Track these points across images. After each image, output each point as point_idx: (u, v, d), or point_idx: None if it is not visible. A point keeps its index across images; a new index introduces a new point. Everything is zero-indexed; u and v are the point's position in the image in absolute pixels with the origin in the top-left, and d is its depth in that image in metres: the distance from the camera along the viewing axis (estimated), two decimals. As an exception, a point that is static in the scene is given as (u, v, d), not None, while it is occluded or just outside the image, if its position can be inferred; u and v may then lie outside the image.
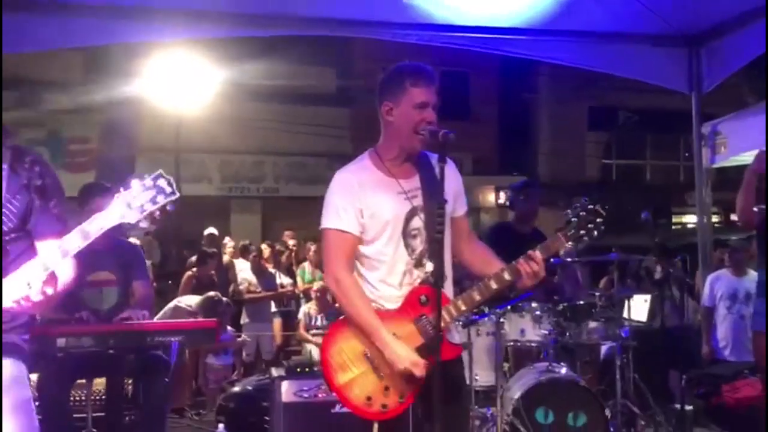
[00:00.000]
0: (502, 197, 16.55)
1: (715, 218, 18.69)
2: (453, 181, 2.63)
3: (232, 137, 15.04)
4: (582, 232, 2.58)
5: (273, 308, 8.69)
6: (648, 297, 5.91)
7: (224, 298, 6.48)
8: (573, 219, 2.59)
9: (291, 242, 9.95)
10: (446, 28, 6.03)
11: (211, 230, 9.39)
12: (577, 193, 17.69)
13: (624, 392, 4.66)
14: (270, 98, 15.49)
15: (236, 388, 5.01)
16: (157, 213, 2.04)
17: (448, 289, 2.65)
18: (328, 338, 2.65)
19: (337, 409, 3.88)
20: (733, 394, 5.25)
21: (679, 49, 6.41)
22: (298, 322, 8.37)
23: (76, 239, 2.03)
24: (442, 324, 2.48)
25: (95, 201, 3.89)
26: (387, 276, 2.63)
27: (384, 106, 2.65)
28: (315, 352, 7.96)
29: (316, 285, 8.51)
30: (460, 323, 3.69)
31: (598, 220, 2.57)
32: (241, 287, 8.09)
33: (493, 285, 2.60)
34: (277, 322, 8.74)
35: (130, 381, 3.82)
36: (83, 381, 3.93)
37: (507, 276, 2.60)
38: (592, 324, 4.62)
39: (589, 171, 19.30)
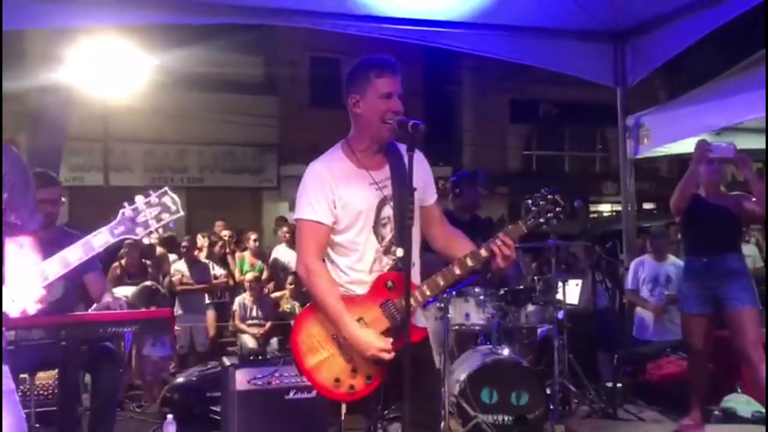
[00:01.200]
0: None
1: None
2: (422, 170, 2.73)
3: (156, 126, 14.67)
4: (542, 220, 2.73)
5: (206, 300, 8.57)
6: (579, 281, 6.20)
7: (161, 288, 6.38)
8: (533, 208, 2.73)
9: (225, 233, 9.83)
10: (386, 20, 6.12)
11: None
12: (500, 183, 18.20)
13: (560, 372, 4.89)
14: (195, 86, 15.18)
15: (180, 379, 4.97)
16: (160, 229, 2.06)
17: (415, 275, 2.73)
18: (299, 322, 2.72)
19: (291, 395, 3.94)
20: (657, 371, 5.59)
21: (605, 45, 6.72)
22: (234, 313, 8.31)
23: (78, 251, 2.03)
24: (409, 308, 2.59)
25: (43, 191, 3.78)
26: (357, 263, 2.71)
27: (351, 98, 2.71)
28: (250, 343, 7.94)
29: (249, 275, 8.46)
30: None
31: (557, 209, 2.71)
32: (173, 279, 7.94)
33: (457, 271, 2.70)
34: (211, 314, 8.63)
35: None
36: (24, 376, 3.82)
37: (470, 262, 2.70)
38: (531, 308, 4.83)
39: (511, 162, 19.86)
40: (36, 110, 8.70)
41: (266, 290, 8.78)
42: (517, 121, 19.84)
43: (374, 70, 2.69)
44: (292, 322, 8.38)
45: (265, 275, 9.01)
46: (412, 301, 2.59)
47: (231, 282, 9.31)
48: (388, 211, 2.71)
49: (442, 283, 2.71)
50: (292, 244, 9.10)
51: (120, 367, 3.58)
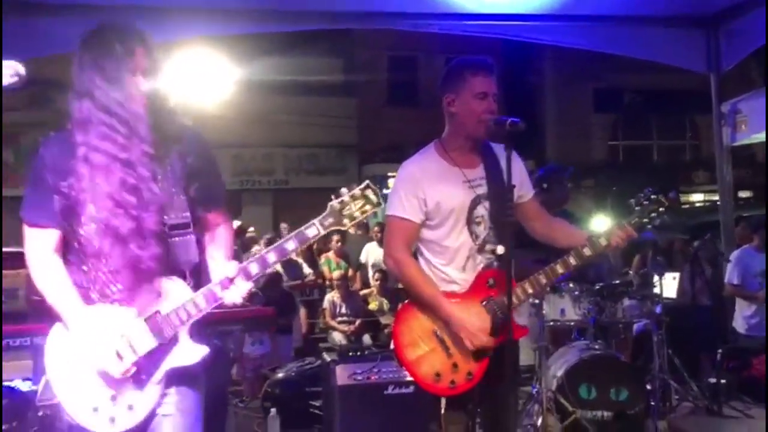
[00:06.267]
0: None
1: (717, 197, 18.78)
2: (518, 168, 2.76)
3: (242, 131, 15.13)
4: (645, 220, 2.71)
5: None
6: (677, 274, 6.01)
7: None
8: (637, 208, 2.71)
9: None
10: (467, 16, 6.11)
11: (237, 222, 9.56)
12: (585, 176, 17.78)
13: (659, 367, 4.78)
14: (278, 91, 15.54)
15: (280, 375, 5.13)
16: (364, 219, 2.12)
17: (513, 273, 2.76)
18: (399, 317, 2.78)
19: (390, 390, 4.03)
20: (763, 366, 5.37)
21: (696, 30, 6.48)
22: (324, 311, 8.50)
23: (294, 243, 2.11)
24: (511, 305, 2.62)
25: None
26: (451, 261, 2.76)
27: (446, 98, 2.76)
28: (340, 339, 8.11)
29: (336, 273, 8.64)
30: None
31: (660, 209, 2.69)
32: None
33: (559, 269, 2.73)
34: (302, 312, 8.87)
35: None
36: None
37: (572, 260, 2.73)
38: (627, 302, 4.75)
39: (596, 153, 19.36)
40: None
41: (353, 287, 8.95)
42: (601, 111, 19.30)
43: (469, 69, 2.73)
44: (380, 319, 8.52)
45: (350, 273, 9.18)
46: (513, 299, 2.63)
47: (320, 280, 9.54)
48: (481, 210, 2.74)
49: (544, 281, 2.74)
50: (377, 241, 9.24)
51: (229, 365, 3.74)
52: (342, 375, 4.06)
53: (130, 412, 2.10)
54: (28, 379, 4.32)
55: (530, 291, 2.73)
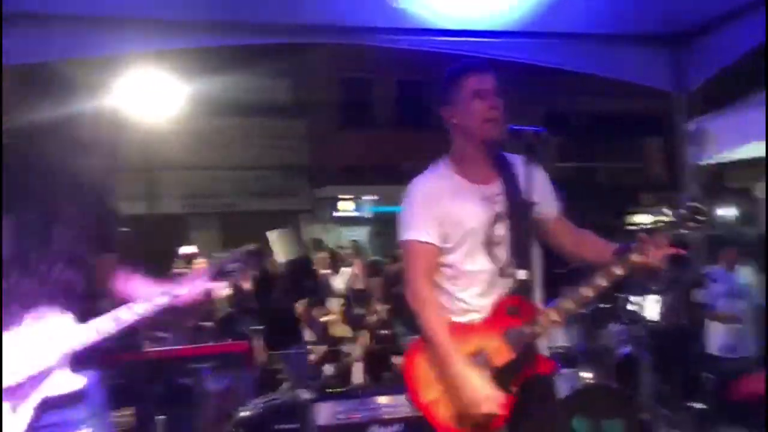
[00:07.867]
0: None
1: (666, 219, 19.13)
2: (540, 182, 2.50)
3: (188, 152, 14.66)
4: (684, 231, 2.46)
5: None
6: (659, 297, 5.88)
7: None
8: (674, 218, 2.47)
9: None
10: (436, 32, 5.92)
11: (187, 249, 9.07)
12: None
13: (647, 395, 4.59)
14: (224, 112, 15.17)
15: (246, 413, 4.71)
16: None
17: (536, 299, 2.51)
18: (412, 352, 2.49)
19: (374, 429, 3.71)
20: (743, 389, 5.24)
21: (663, 48, 6.45)
22: (282, 340, 8.08)
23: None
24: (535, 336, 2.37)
25: None
26: (469, 286, 2.48)
27: (443, 112, 2.54)
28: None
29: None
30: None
31: (698, 217, 2.45)
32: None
33: (588, 293, 2.47)
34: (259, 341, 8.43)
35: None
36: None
37: (602, 282, 2.46)
38: (614, 327, 4.55)
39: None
40: (88, 137, 8.65)
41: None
42: (550, 133, 19.54)
43: (461, 73, 2.52)
44: (343, 348, 8.15)
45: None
46: (537, 328, 2.38)
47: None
48: (501, 229, 2.48)
49: (571, 306, 2.47)
50: (332, 268, 8.95)
51: (196, 407, 3.37)
52: (323, 414, 3.71)
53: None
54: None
55: (556, 318, 2.46)
